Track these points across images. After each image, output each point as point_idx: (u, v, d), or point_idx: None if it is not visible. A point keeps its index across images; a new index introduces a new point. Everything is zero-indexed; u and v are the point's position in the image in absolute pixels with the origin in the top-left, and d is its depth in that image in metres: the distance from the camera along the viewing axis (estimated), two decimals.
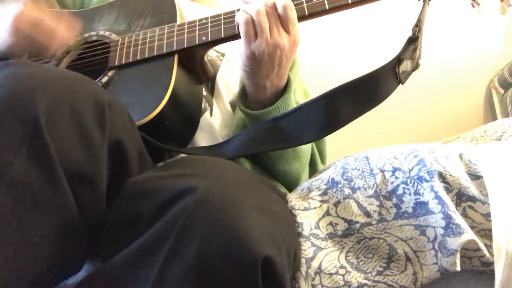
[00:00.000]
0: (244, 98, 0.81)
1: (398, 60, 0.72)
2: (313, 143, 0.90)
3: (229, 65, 0.94)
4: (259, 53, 0.72)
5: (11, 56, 0.75)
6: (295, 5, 0.74)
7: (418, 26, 0.72)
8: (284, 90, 0.79)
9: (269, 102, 0.78)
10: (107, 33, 0.86)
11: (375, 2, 0.75)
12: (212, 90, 0.90)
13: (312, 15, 0.76)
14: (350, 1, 0.74)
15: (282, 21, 0.72)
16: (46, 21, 0.74)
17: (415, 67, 0.75)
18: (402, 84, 0.73)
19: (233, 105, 0.90)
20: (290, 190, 0.86)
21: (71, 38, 0.78)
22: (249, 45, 0.72)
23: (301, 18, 0.75)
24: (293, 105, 0.80)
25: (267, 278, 0.48)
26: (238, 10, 0.79)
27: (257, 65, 0.73)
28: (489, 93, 1.55)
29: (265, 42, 0.71)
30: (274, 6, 0.72)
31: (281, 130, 0.74)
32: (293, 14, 0.72)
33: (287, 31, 0.73)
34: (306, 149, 0.85)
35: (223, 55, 0.94)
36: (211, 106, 0.88)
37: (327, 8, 0.75)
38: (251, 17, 0.72)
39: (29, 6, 0.74)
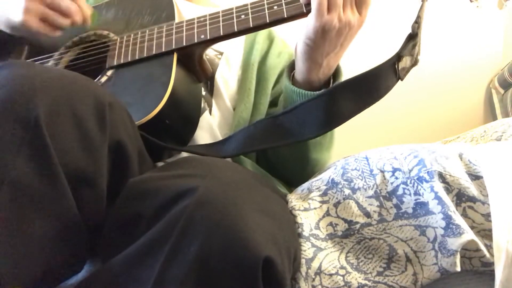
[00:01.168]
0: (290, 77, 0.80)
1: (397, 57, 0.72)
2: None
3: (228, 64, 0.94)
4: (329, 27, 0.70)
5: (26, 32, 0.76)
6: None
7: (417, 22, 0.72)
8: (332, 76, 0.79)
9: (317, 85, 0.77)
10: (105, 33, 0.86)
11: None
12: (211, 89, 0.90)
13: None
14: None
15: (356, 0, 0.72)
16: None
17: (414, 63, 0.75)
18: (401, 80, 0.74)
19: (233, 103, 0.90)
20: (291, 191, 0.87)
21: (85, 13, 0.79)
22: (320, 18, 0.70)
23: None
24: None
25: (268, 279, 0.48)
26: (237, 7, 0.78)
27: (322, 40, 0.72)
28: (489, 93, 1.55)
29: (338, 17, 0.70)
30: None
31: (282, 127, 0.73)
32: None
33: (359, 11, 0.72)
34: (334, 140, 0.86)
35: (221, 53, 0.94)
36: (210, 105, 0.88)
37: None
38: None
39: None
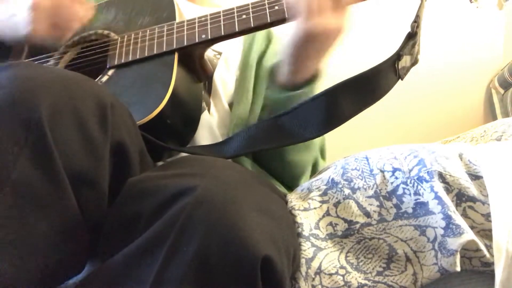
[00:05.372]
0: (273, 81, 0.80)
1: (397, 56, 0.72)
2: None
3: (226, 64, 0.94)
4: (316, 32, 0.71)
5: (30, 41, 0.76)
6: None
7: (416, 22, 0.72)
8: (313, 76, 0.79)
9: (300, 86, 0.77)
10: (105, 32, 0.86)
11: None
12: (209, 89, 0.90)
13: None
14: None
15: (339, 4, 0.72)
16: (63, 4, 0.75)
17: (414, 62, 0.75)
18: (402, 79, 0.74)
19: (230, 104, 0.90)
20: (290, 188, 0.86)
21: (86, 17, 0.80)
22: (307, 22, 0.71)
23: None
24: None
25: (266, 278, 0.48)
26: (238, 7, 0.78)
27: (309, 44, 0.73)
28: (489, 93, 1.55)
29: (324, 22, 0.70)
30: None
31: (282, 128, 0.73)
32: None
33: (341, 16, 0.72)
34: (315, 140, 0.85)
35: (220, 53, 0.94)
36: (208, 105, 0.88)
37: None
38: None
39: None
